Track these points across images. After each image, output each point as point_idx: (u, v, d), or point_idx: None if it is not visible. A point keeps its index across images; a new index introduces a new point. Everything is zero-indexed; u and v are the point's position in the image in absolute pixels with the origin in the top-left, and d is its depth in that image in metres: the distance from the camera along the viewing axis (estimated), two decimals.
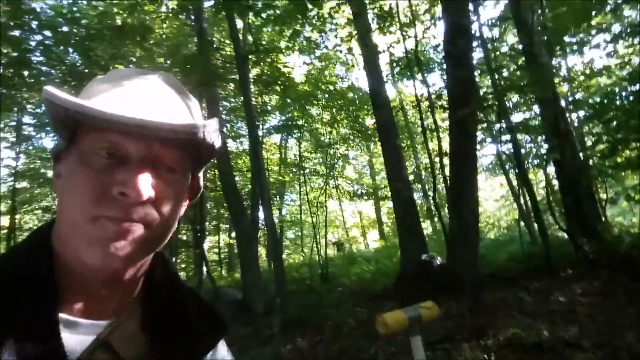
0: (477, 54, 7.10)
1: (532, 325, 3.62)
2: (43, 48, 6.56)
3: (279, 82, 8.41)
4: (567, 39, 7.08)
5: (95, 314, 0.53)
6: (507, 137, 6.42)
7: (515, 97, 7.38)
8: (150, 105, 0.51)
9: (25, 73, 6.79)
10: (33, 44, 6.38)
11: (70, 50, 6.92)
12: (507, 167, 8.62)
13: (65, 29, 6.80)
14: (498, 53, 8.09)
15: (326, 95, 10.68)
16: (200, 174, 0.64)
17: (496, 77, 6.34)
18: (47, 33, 6.46)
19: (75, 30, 6.74)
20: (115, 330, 0.53)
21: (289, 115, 11.04)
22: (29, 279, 0.49)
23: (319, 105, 10.88)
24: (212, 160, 0.63)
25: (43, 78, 6.83)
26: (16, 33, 6.20)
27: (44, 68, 6.95)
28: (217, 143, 0.55)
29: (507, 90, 6.23)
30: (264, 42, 9.72)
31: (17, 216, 11.19)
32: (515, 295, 4.73)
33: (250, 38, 8.90)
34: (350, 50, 9.78)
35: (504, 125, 6.26)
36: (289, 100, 10.03)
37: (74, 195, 0.49)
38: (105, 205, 0.48)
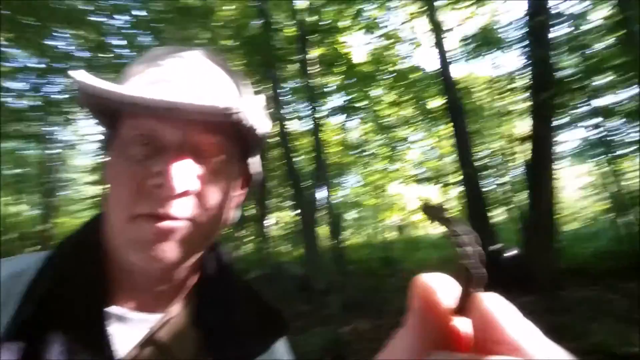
0: (562, 31, 6.32)
1: (624, 332, 3.20)
2: (120, 32, 6.99)
3: (339, 62, 8.23)
4: None
5: (147, 308, 0.51)
6: (596, 120, 5.75)
7: (606, 78, 6.53)
8: (182, 86, 0.48)
9: (105, 56, 7.28)
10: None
11: (143, 32, 7.29)
12: (593, 153, 7.73)
13: (139, 12, 7.17)
14: (586, 29, 7.16)
15: (389, 76, 10.29)
16: (255, 160, 0.58)
17: (583, 55, 5.63)
18: (122, 17, 6.86)
19: (148, 14, 7.08)
20: (166, 326, 0.51)
21: (350, 96, 10.83)
22: (77, 272, 0.48)
23: (382, 86, 10.53)
24: (267, 142, 0.55)
25: (119, 60, 7.30)
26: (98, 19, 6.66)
27: (120, 51, 7.42)
28: (261, 125, 0.50)
29: (596, 70, 5.51)
30: (325, 22, 9.52)
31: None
32: (602, 295, 4.26)
33: (311, 18, 8.75)
34: (417, 28, 9.26)
35: (591, 107, 5.60)
36: (350, 81, 9.82)
37: (113, 191, 0.47)
38: (143, 200, 0.45)
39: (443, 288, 0.19)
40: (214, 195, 0.49)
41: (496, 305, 0.17)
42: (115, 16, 6.89)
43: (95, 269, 0.49)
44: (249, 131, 0.50)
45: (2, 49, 6.48)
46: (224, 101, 0.44)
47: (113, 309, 0.48)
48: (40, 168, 10.55)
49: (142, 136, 0.46)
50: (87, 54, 7.15)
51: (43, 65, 7.08)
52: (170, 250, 0.45)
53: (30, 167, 11.67)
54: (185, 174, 0.45)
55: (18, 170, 10.99)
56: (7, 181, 11.30)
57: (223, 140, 0.49)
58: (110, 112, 0.49)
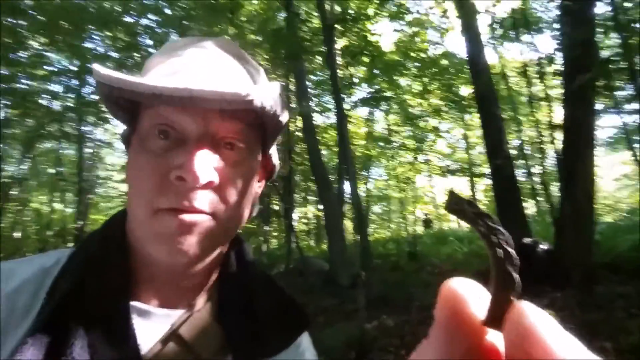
0: (601, 8, 5.95)
1: None
2: (149, 31, 7.16)
3: (366, 52, 8.12)
4: None
5: (170, 304, 0.51)
6: (635, 105, 5.43)
7: None
8: (202, 75, 0.48)
9: (137, 55, 7.49)
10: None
11: (172, 30, 7.45)
12: (631, 140, 7.33)
13: (167, 11, 7.33)
14: (631, 5, 6.72)
15: (417, 64, 10.06)
16: (274, 151, 0.58)
17: (627, 34, 5.28)
18: (152, 17, 7.03)
19: (175, 12, 7.22)
20: (188, 321, 0.51)
21: (377, 86, 10.68)
22: (101, 267, 0.49)
23: (409, 75, 10.32)
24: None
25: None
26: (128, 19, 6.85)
27: (151, 50, 7.60)
28: (281, 111, 0.50)
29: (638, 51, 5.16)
30: (351, 11, 9.41)
31: None
32: (639, 291, 4.05)
33: (337, 8, 8.66)
34: (445, 12, 8.99)
35: (631, 92, 5.28)
36: (376, 71, 9.67)
37: (135, 186, 0.48)
38: (165, 194, 0.45)
39: (474, 297, 0.17)
40: (236, 187, 0.49)
41: (537, 318, 0.15)
42: (144, 15, 7.07)
43: (119, 264, 0.50)
44: (270, 119, 0.49)
45: (40, 53, 6.78)
46: (245, 88, 0.43)
47: (136, 304, 0.49)
48: (76, 167, 10.99)
49: (162, 128, 0.46)
50: (118, 55, 7.36)
51: (75, 68, 7.37)
52: (193, 244, 0.45)
53: (66, 166, 12.20)
54: (207, 165, 0.44)
55: (53, 170, 11.51)
56: (44, 180, 11.86)
57: (244, 129, 0.49)
58: (131, 107, 0.49)
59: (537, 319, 0.15)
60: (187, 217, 0.45)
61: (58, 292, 0.46)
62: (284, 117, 0.51)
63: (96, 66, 0.43)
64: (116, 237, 0.52)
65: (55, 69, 7.90)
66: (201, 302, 0.53)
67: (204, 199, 0.45)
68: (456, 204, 0.18)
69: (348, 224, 11.70)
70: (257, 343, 0.52)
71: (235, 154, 0.49)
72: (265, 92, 0.46)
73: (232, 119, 0.47)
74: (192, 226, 0.45)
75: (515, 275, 0.16)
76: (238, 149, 0.49)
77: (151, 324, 0.49)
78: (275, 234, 15.69)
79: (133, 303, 0.48)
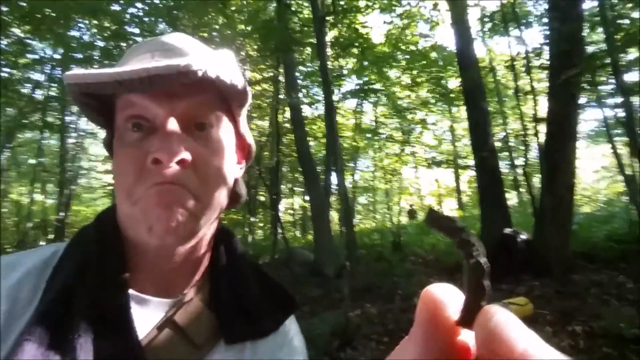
0: (589, 4, 6.06)
1: (634, 315, 3.20)
2: (137, 20, 7.02)
3: (356, 44, 8.12)
4: None
5: (164, 292, 0.53)
6: (617, 100, 5.55)
7: (632, 54, 6.25)
8: (156, 57, 0.50)
9: (123, 45, 7.34)
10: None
11: (160, 20, 7.31)
12: (611, 134, 7.53)
13: (156, 0, 7.17)
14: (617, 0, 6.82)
15: (406, 56, 10.10)
16: (246, 131, 0.60)
17: (612, 30, 5.39)
18: (140, 5, 6.88)
19: (164, 2, 7.08)
20: (182, 309, 0.53)
21: (366, 78, 10.70)
22: (98, 257, 0.50)
23: (398, 67, 10.36)
24: (249, 102, 0.56)
25: None
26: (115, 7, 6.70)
27: (138, 39, 7.46)
28: (235, 76, 0.51)
29: (626, 45, 5.27)
30: (342, 2, 9.37)
31: None
32: (614, 279, 4.23)
33: None
34: (435, 6, 9.04)
35: (614, 86, 5.39)
36: (366, 63, 9.68)
37: (118, 181, 0.49)
38: (142, 181, 0.47)
39: (450, 301, 0.19)
40: (211, 165, 0.50)
41: (503, 319, 0.17)
42: (132, 4, 6.91)
43: (115, 254, 0.51)
44: (226, 87, 0.51)
45: (23, 40, 6.59)
46: (195, 59, 0.46)
47: (133, 292, 0.50)
48: (58, 157, 10.75)
49: (134, 121, 0.48)
50: (104, 44, 7.19)
51: (59, 57, 7.20)
52: (173, 219, 0.46)
53: (48, 157, 11.92)
54: (179, 144, 0.46)
55: (34, 161, 11.21)
56: (26, 171, 11.58)
57: (209, 106, 0.51)
58: (106, 111, 0.52)
59: (503, 320, 0.17)
60: (164, 187, 0.46)
61: (57, 283, 0.47)
62: (240, 83, 0.52)
63: (66, 74, 0.44)
64: (109, 229, 0.53)
65: (38, 57, 7.71)
66: (193, 291, 0.55)
67: (181, 176, 0.47)
68: (435, 219, 0.20)
69: (334, 215, 11.76)
70: (247, 326, 0.56)
71: (206, 133, 0.51)
72: (217, 61, 0.48)
73: (194, 99, 0.49)
74: (171, 198, 0.46)
75: (486, 283, 0.19)
76: (208, 128, 0.51)
77: (147, 312, 0.51)
78: (261, 224, 15.68)
79: (130, 291, 0.50)
